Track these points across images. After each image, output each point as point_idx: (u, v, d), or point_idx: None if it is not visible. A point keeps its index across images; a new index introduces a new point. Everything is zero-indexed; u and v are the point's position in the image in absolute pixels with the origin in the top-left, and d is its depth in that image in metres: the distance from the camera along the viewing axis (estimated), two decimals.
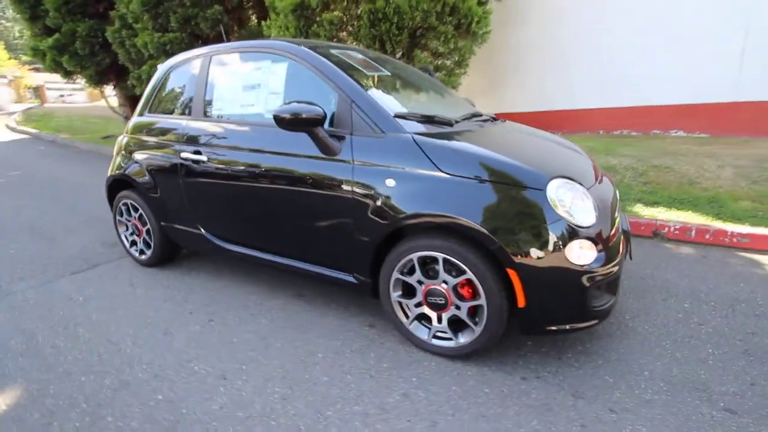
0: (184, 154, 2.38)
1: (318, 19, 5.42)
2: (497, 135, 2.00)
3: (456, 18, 5.25)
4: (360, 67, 2.08)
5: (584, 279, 1.56)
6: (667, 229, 3.11)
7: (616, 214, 1.83)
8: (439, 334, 1.81)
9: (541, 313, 1.60)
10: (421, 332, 1.85)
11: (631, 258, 2.00)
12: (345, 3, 5.28)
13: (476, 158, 1.64)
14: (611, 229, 1.67)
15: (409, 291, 1.86)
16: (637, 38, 5.91)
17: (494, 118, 2.39)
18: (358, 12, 5.17)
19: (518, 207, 1.55)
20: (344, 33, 5.53)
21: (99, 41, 8.27)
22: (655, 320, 2.05)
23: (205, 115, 2.36)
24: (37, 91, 28.79)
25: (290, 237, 2.10)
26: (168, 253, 2.89)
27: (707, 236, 2.97)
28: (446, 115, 1.99)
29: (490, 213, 1.56)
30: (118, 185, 2.93)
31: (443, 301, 1.73)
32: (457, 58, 5.71)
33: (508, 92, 7.44)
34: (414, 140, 1.71)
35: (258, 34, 7.59)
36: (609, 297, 1.68)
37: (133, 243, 2.96)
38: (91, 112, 16.51)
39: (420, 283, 1.77)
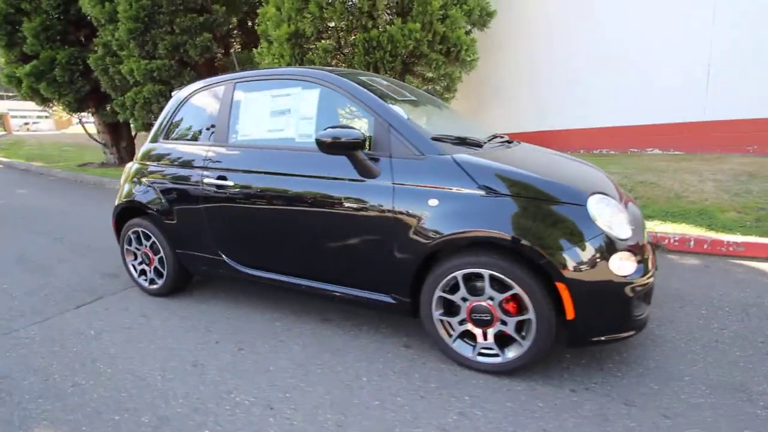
0: (206, 180, 2.35)
1: (312, 47, 5.55)
2: (525, 155, 2.09)
3: (445, 46, 5.49)
4: (390, 93, 2.15)
5: (627, 290, 1.63)
6: (667, 240, 3.28)
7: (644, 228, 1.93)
8: (484, 350, 1.82)
9: (588, 324, 1.65)
10: (465, 350, 1.85)
11: (656, 269, 2.10)
12: (337, 33, 5.44)
13: (517, 177, 1.71)
14: (644, 241, 1.77)
15: (450, 309, 1.87)
16: (610, 63, 6.34)
17: (510, 141, 2.50)
18: (352, 40, 5.33)
19: (563, 222, 1.62)
20: (336, 60, 5.67)
21: (79, 68, 8.12)
22: (679, 327, 2.14)
23: (230, 141, 2.35)
24: (1, 119, 27.62)
25: (325, 260, 2.09)
26: (181, 282, 2.79)
27: (705, 246, 3.15)
28: (471, 137, 2.06)
29: (536, 229, 1.62)
30: (127, 213, 2.84)
31: (489, 317, 1.76)
32: (446, 83, 5.94)
33: (489, 114, 7.75)
34: (455, 161, 1.78)
35: (247, 61, 7.66)
36: (645, 307, 1.76)
37: (143, 272, 2.85)
38: (62, 140, 15.98)
39: (464, 300, 1.80)
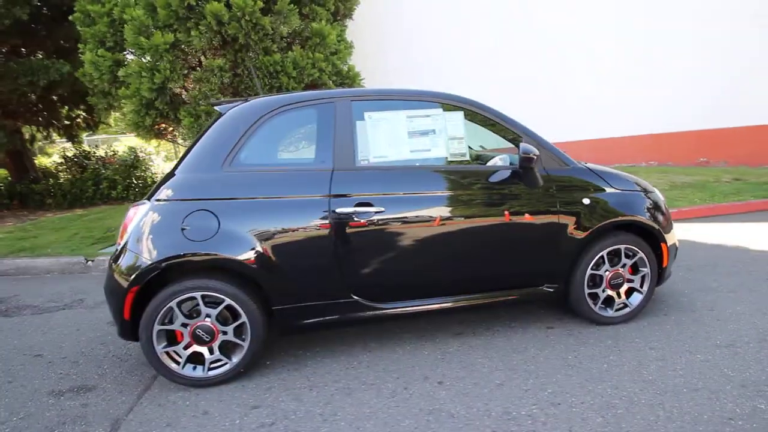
0: (341, 209, 2.01)
1: (202, 65, 4.77)
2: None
3: (340, 78, 5.82)
4: None
5: (677, 243, 2.62)
6: None
7: None
8: (617, 307, 2.44)
9: (667, 270, 2.54)
10: (606, 312, 2.42)
11: None
12: (234, 52, 4.90)
13: (623, 179, 2.45)
14: None
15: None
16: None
17: None
18: (254, 62, 4.91)
19: (653, 204, 2.46)
20: (233, 84, 5.05)
21: None
22: (678, 263, 3.19)
23: (358, 164, 2.10)
24: None
25: (492, 270, 2.24)
26: (262, 350, 2.13)
27: None
28: None
29: (647, 210, 2.40)
30: (158, 279, 1.94)
31: (621, 280, 2.40)
32: None
33: None
34: (589, 168, 2.36)
35: (38, 69, 5.55)
36: None
37: (193, 357, 2.00)
38: None
39: (606, 271, 2.38)
